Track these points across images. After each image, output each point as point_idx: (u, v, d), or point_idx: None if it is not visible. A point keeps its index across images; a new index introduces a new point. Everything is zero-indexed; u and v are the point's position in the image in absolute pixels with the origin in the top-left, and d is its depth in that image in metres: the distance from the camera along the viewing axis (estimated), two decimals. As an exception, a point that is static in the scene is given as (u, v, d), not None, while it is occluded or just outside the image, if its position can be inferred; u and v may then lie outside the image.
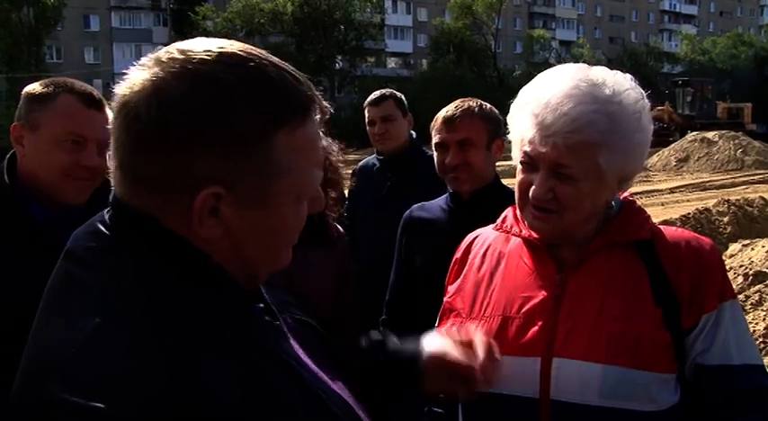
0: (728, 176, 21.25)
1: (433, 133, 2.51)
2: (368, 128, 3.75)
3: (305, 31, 49.44)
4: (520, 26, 67.53)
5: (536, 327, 1.44)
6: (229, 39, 0.99)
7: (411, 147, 3.72)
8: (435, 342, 1.38)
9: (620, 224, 1.48)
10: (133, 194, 0.91)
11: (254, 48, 0.94)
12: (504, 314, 1.49)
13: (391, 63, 61.58)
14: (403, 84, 43.44)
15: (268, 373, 0.87)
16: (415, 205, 2.68)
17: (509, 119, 1.50)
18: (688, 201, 15.07)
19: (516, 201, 1.52)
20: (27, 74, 41.00)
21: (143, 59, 0.91)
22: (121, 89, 0.89)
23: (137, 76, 0.89)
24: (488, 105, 2.51)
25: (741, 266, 5.60)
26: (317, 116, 0.96)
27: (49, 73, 46.25)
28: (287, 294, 1.25)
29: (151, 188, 0.89)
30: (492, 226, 1.67)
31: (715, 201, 11.15)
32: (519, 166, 1.48)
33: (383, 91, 3.84)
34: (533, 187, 1.42)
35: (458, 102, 2.50)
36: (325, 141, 2.14)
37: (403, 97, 3.80)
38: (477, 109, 2.44)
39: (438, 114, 2.49)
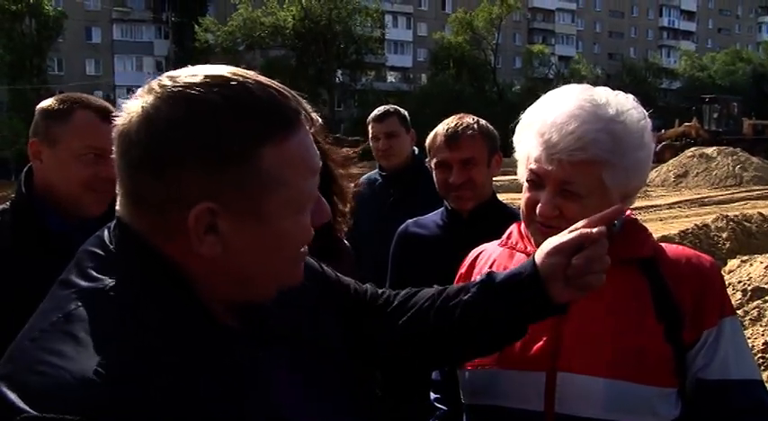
0: (727, 192, 21.30)
1: (431, 151, 2.50)
2: (371, 143, 3.78)
3: (305, 45, 49.64)
4: (519, 41, 67.89)
5: (541, 342, 1.46)
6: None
7: (414, 163, 3.75)
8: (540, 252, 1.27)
9: (623, 241, 1.50)
10: (133, 216, 0.95)
11: (242, 70, 0.97)
12: None
13: (391, 77, 61.84)
14: (402, 98, 43.75)
15: (204, 395, 0.86)
16: (410, 220, 2.68)
17: (515, 138, 1.53)
18: (686, 216, 15.10)
19: (522, 219, 1.55)
20: (29, 86, 41.19)
21: (138, 90, 0.95)
22: (119, 120, 0.94)
23: (132, 105, 0.93)
24: (484, 121, 2.52)
25: (740, 282, 5.61)
26: (307, 128, 0.99)
27: (51, 85, 46.46)
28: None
29: (148, 209, 0.93)
30: (496, 242, 1.70)
31: (714, 216, 11.17)
32: (525, 184, 1.51)
33: (387, 107, 3.88)
34: (540, 205, 1.45)
35: (454, 119, 2.49)
36: (335, 154, 2.12)
37: (406, 113, 3.84)
38: (476, 126, 2.45)
39: (435, 132, 2.48)
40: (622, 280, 1.47)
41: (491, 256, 1.69)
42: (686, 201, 19.29)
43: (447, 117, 2.54)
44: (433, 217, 2.61)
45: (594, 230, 1.21)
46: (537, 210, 1.46)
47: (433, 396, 1.82)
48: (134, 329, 0.87)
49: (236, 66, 1.02)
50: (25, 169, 2.02)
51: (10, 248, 1.88)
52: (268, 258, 0.97)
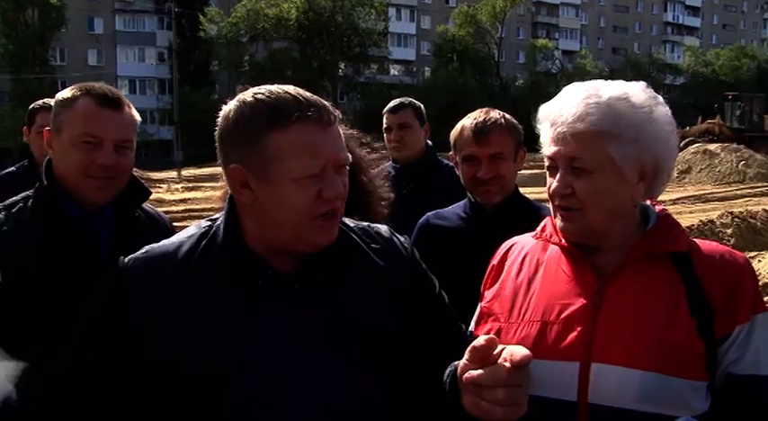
0: (730, 188, 21.29)
1: (456, 145, 2.50)
2: (385, 134, 3.78)
3: (309, 37, 49.55)
4: (523, 35, 67.73)
5: (575, 333, 1.48)
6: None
7: (427, 156, 3.75)
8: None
9: (658, 235, 1.53)
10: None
11: (284, 86, 1.37)
12: (543, 319, 1.53)
13: (394, 70, 61.71)
14: (406, 91, 43.56)
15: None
16: (431, 213, 2.68)
17: (540, 137, 1.58)
18: (690, 212, 15.08)
19: (551, 208, 1.58)
20: (32, 75, 41.16)
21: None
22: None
23: (225, 106, 1.38)
24: (509, 116, 2.53)
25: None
26: (318, 124, 1.32)
27: (54, 75, 46.42)
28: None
29: (223, 170, 1.39)
30: (529, 234, 1.72)
31: (718, 213, 11.19)
32: (547, 173, 1.55)
33: (403, 99, 3.89)
34: (553, 184, 1.50)
35: (481, 113, 2.49)
36: (365, 162, 2.18)
37: (422, 107, 3.84)
38: (503, 121, 2.45)
39: (462, 126, 2.48)
40: (657, 274, 1.49)
41: (524, 248, 1.71)
42: (690, 197, 19.29)
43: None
44: (455, 210, 2.61)
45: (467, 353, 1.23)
46: (551, 190, 1.51)
47: None
48: (189, 237, 1.42)
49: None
50: (47, 158, 2.05)
51: (33, 234, 1.91)
52: (281, 212, 1.32)
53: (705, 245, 1.57)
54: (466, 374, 1.22)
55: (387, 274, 1.45)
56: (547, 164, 1.54)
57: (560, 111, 1.48)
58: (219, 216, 1.44)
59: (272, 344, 1.30)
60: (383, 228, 1.56)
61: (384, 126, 3.78)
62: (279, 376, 1.29)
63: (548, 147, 1.52)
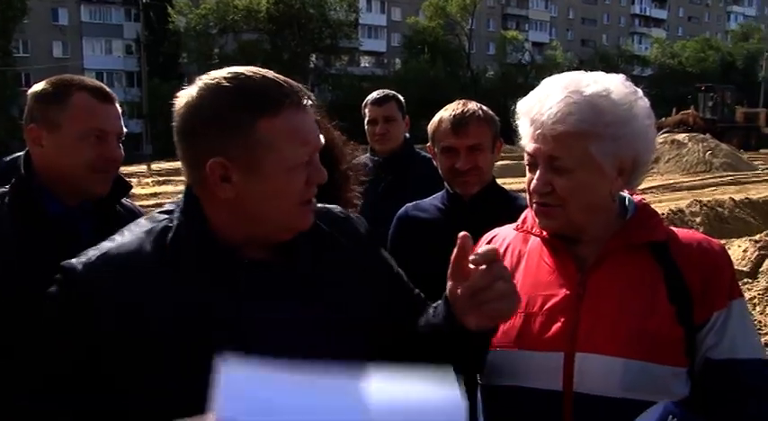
0: (698, 178, 21.62)
1: (435, 137, 2.52)
2: (367, 126, 3.78)
3: (279, 29, 49.14)
4: (493, 27, 67.95)
5: (559, 324, 1.50)
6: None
7: (406, 148, 3.77)
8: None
9: (637, 225, 1.55)
10: (183, 171, 1.31)
11: (258, 68, 1.29)
12: (527, 311, 1.54)
13: (365, 62, 61.54)
14: (377, 83, 43.46)
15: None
16: (409, 204, 2.69)
17: (518, 129, 1.58)
18: (660, 201, 15.28)
19: (528, 202, 1.59)
20: (-6, 68, 40.24)
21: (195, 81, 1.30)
22: (177, 102, 1.28)
23: (183, 92, 1.28)
24: (485, 107, 2.55)
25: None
26: (301, 109, 1.27)
27: (17, 67, 45.44)
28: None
29: (186, 164, 1.30)
30: (510, 225, 1.73)
31: (687, 202, 11.36)
32: (526, 167, 1.57)
33: (386, 91, 3.88)
34: (533, 182, 1.51)
35: (459, 105, 2.51)
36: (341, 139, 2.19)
37: (403, 99, 3.85)
38: (481, 113, 2.47)
39: (440, 117, 2.50)
40: (636, 263, 1.51)
41: (505, 240, 1.72)
42: (659, 186, 19.55)
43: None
44: (433, 201, 2.63)
45: (471, 257, 1.25)
46: (531, 188, 1.52)
47: None
48: (149, 234, 1.30)
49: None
50: (23, 153, 2.03)
51: (12, 232, 1.89)
52: (269, 203, 1.27)
53: (682, 233, 1.59)
54: (461, 289, 1.26)
55: (352, 254, 1.43)
56: (526, 160, 1.55)
57: (540, 110, 1.47)
58: (171, 207, 1.36)
59: (260, 337, 1.22)
60: (338, 209, 1.54)
61: (367, 118, 3.78)
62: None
63: (527, 144, 1.52)
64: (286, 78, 1.29)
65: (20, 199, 1.94)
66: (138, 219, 1.38)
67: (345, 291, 1.36)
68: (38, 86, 2.00)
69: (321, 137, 1.32)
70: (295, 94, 1.27)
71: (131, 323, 1.21)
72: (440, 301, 1.37)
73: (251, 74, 1.27)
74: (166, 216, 1.34)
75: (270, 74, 1.28)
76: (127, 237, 1.31)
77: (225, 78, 1.25)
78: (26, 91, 2.24)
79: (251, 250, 1.31)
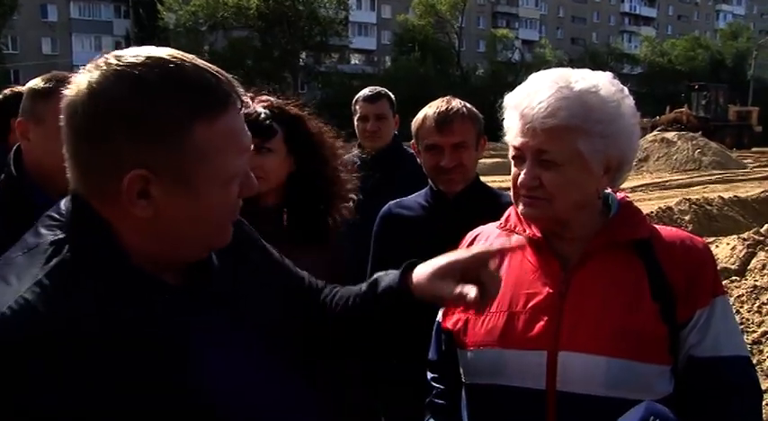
0: (687, 176, 21.70)
1: (419, 134, 2.50)
2: (357, 123, 3.77)
3: (269, 26, 48.95)
4: (483, 25, 67.99)
5: (542, 322, 1.49)
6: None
7: (395, 146, 3.76)
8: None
9: (620, 223, 1.55)
10: (77, 180, 1.06)
11: (182, 53, 1.06)
12: (510, 310, 1.54)
13: (355, 59, 61.45)
14: (367, 80, 43.35)
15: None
16: (392, 202, 2.68)
17: (504, 124, 1.57)
18: (649, 199, 15.34)
19: (512, 196, 1.58)
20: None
21: (87, 65, 1.05)
22: (68, 91, 1.04)
23: (79, 79, 1.03)
24: (469, 104, 2.53)
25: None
26: (239, 109, 1.08)
27: (5, 64, 45.07)
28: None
29: (89, 174, 1.04)
30: (494, 224, 1.72)
31: (676, 200, 11.39)
32: (511, 162, 1.56)
33: (378, 88, 3.87)
34: (520, 176, 1.50)
35: (442, 102, 2.49)
36: (341, 147, 2.21)
37: (393, 97, 3.85)
38: (465, 110, 2.46)
39: (424, 115, 2.48)
40: (620, 261, 1.51)
41: (489, 238, 1.71)
42: (648, 184, 19.62)
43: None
44: (416, 198, 2.62)
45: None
46: (518, 182, 1.51)
47: (430, 375, 1.82)
48: (51, 276, 0.99)
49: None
50: (14, 148, 2.06)
51: (3, 225, 1.85)
52: (196, 223, 1.07)
53: (666, 231, 1.59)
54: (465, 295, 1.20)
55: (250, 257, 1.29)
56: (512, 153, 1.54)
57: (530, 104, 1.46)
58: (55, 225, 1.07)
59: (205, 369, 1.06)
60: None
61: (359, 115, 3.76)
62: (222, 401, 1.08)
63: (514, 137, 1.51)
64: (217, 68, 1.08)
65: (9, 193, 1.96)
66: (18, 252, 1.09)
67: (258, 300, 1.24)
68: (32, 82, 2.05)
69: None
70: (235, 91, 1.07)
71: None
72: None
73: (177, 61, 1.03)
74: (54, 239, 1.05)
75: (199, 62, 1.06)
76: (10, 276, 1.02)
77: (146, 66, 1.01)
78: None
79: (168, 275, 1.10)
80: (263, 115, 2.12)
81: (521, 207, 1.55)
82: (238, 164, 1.08)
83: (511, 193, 1.59)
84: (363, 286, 1.40)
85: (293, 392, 1.23)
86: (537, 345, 1.48)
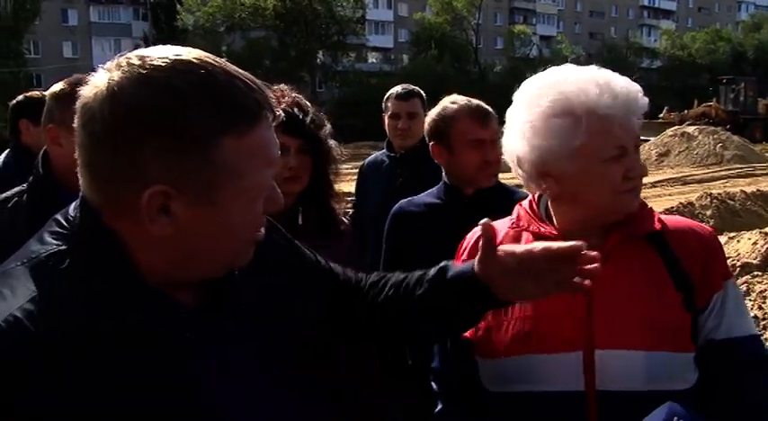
0: (708, 171, 21.46)
1: (453, 131, 2.47)
2: (389, 120, 3.72)
3: (287, 26, 49.06)
4: (500, 21, 67.63)
5: (573, 323, 1.47)
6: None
7: (423, 144, 3.74)
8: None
9: (634, 218, 1.53)
10: (89, 188, 0.98)
11: (211, 55, 0.98)
12: (536, 313, 1.51)
13: (372, 58, 61.39)
14: (385, 78, 43.33)
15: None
16: (403, 200, 2.67)
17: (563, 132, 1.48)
18: (670, 195, 15.22)
19: (608, 197, 1.49)
20: (6, 69, 40.42)
21: (107, 64, 0.97)
22: (84, 91, 0.96)
23: (98, 79, 0.95)
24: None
25: (728, 258, 5.69)
26: (271, 121, 1.00)
27: (28, 68, 45.59)
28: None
29: (103, 183, 0.96)
30: (504, 221, 1.67)
31: (697, 195, 11.31)
32: (603, 164, 1.46)
33: (410, 87, 3.83)
34: (638, 168, 1.49)
35: (464, 99, 2.51)
36: (334, 144, 2.16)
37: (425, 96, 3.82)
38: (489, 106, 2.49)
39: (458, 112, 2.47)
40: (638, 255, 1.52)
41: (498, 235, 1.64)
42: (669, 179, 19.42)
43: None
44: (428, 197, 2.60)
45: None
46: (633, 174, 1.48)
47: (436, 386, 1.79)
48: (49, 291, 0.92)
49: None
50: (41, 153, 2.07)
51: (29, 228, 1.88)
52: (218, 242, 1.00)
53: (672, 221, 1.60)
54: (511, 266, 1.20)
55: (279, 266, 1.21)
56: (615, 154, 1.45)
57: (611, 97, 1.42)
58: (60, 234, 1.00)
59: (215, 393, 1.00)
60: None
61: (390, 112, 3.72)
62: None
63: (605, 137, 1.43)
64: (248, 74, 1.00)
65: (38, 196, 1.98)
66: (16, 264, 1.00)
67: (286, 313, 1.16)
68: (56, 87, 2.04)
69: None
70: (267, 102, 1.00)
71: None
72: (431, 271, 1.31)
73: (208, 67, 0.95)
74: (58, 253, 0.97)
75: (230, 68, 0.98)
76: (17, 293, 0.94)
77: (175, 71, 0.93)
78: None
79: (181, 294, 1.03)
80: (309, 116, 2.10)
81: (631, 201, 1.50)
82: (266, 178, 1.01)
83: (606, 195, 1.48)
84: (429, 271, 1.32)
85: (309, 414, 1.16)
86: (571, 347, 1.46)
